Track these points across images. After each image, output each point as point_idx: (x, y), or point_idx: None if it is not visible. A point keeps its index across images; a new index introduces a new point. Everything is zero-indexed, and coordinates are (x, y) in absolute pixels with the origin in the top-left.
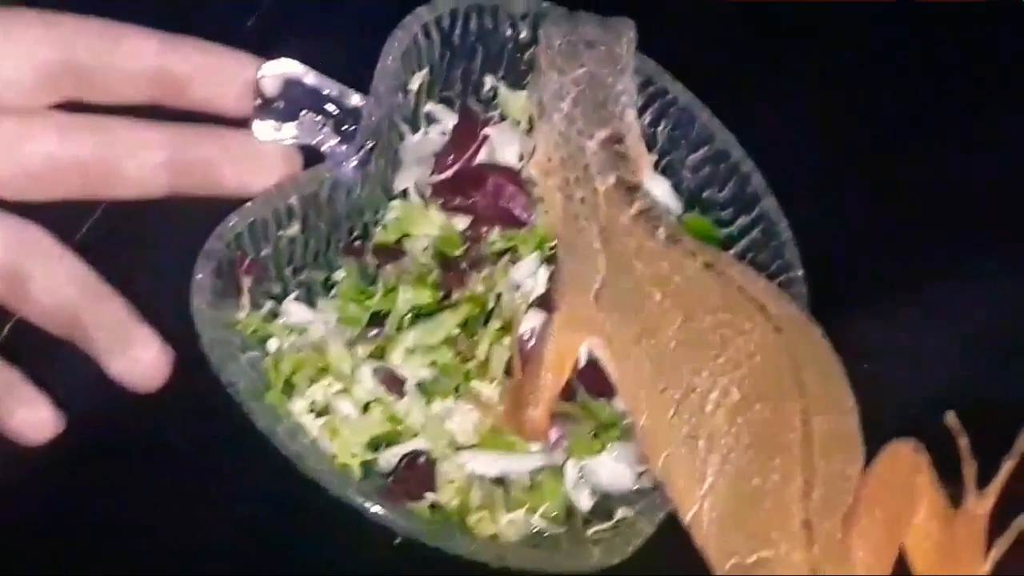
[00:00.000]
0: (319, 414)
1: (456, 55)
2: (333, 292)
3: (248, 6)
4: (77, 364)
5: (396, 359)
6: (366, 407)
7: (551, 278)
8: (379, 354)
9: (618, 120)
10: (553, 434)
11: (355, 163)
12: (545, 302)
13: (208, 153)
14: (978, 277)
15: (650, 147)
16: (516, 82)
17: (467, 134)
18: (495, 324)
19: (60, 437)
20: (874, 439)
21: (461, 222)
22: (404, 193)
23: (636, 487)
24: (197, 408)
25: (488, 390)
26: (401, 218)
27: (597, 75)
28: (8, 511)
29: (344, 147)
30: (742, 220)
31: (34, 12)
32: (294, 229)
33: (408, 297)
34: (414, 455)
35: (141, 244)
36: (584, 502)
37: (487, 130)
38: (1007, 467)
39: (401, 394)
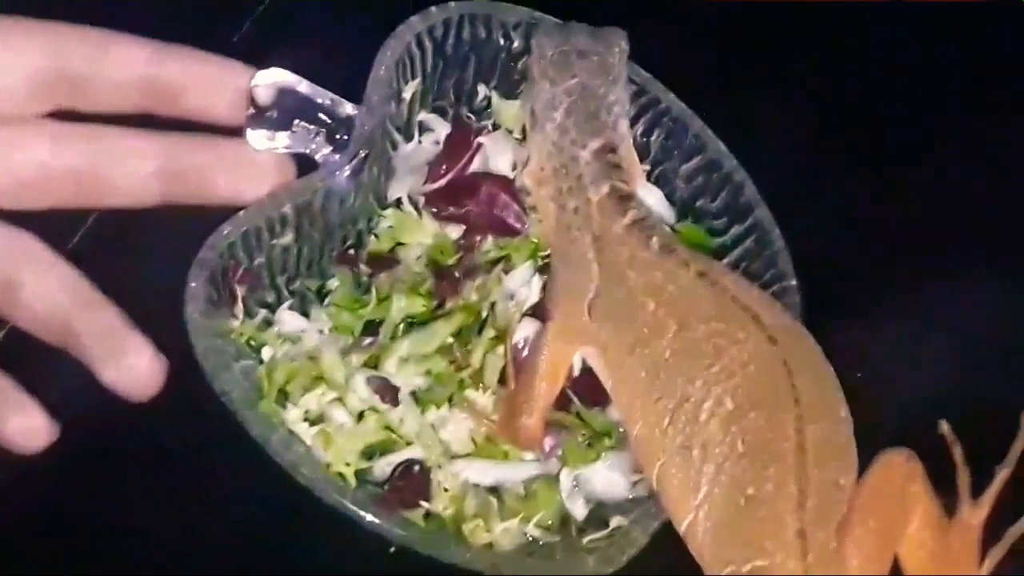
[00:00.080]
0: (313, 423)
1: (449, 64)
2: (327, 301)
3: (241, 15)
4: (70, 372)
5: (390, 368)
6: (360, 416)
7: (545, 287)
8: (373, 363)
9: (611, 130)
10: (547, 443)
11: (348, 172)
12: (539, 311)
13: (201, 162)
14: (972, 285)
15: (643, 157)
16: (509, 91)
17: (460, 143)
18: (489, 333)
19: (54, 445)
20: (868, 448)
21: (455, 231)
22: (398, 202)
23: (630, 496)
24: (191, 416)
25: (482, 399)
26: (395, 227)
27: (589, 85)
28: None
29: (337, 156)
30: (735, 229)
31: (28, 21)
32: (287, 238)
33: (402, 306)
34: (408, 464)
35: (134, 253)
36: (578, 511)
37: (480, 139)
38: (1001, 476)
39: (395, 403)
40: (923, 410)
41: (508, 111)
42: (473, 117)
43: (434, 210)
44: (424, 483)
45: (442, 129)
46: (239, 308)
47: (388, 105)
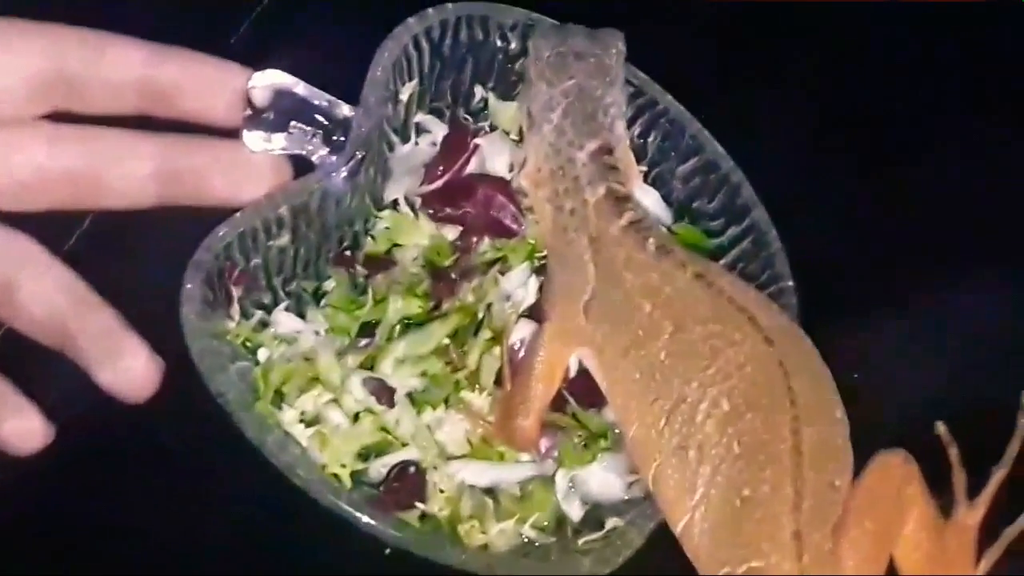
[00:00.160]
0: (309, 424)
1: (446, 66)
2: (323, 302)
3: (238, 17)
4: (67, 374)
5: (386, 369)
6: (356, 417)
7: (541, 289)
8: (369, 364)
9: (608, 131)
10: (543, 444)
11: (345, 173)
12: (535, 312)
13: (198, 163)
14: (968, 286)
15: (640, 158)
16: (506, 93)
17: (457, 144)
18: (485, 334)
19: (50, 447)
20: (864, 449)
21: (451, 232)
22: (394, 203)
23: (626, 497)
24: (187, 417)
25: (478, 400)
26: (391, 228)
27: (586, 87)
28: None
29: (334, 157)
30: (732, 230)
31: (25, 22)
32: (284, 239)
33: (398, 307)
34: (404, 465)
35: (130, 254)
36: (574, 512)
37: (477, 140)
38: (997, 477)
39: (391, 404)
40: (919, 411)
41: (505, 112)
42: (470, 118)
43: (431, 211)
44: (420, 484)
45: (439, 130)
46: (235, 309)
47: (385, 106)
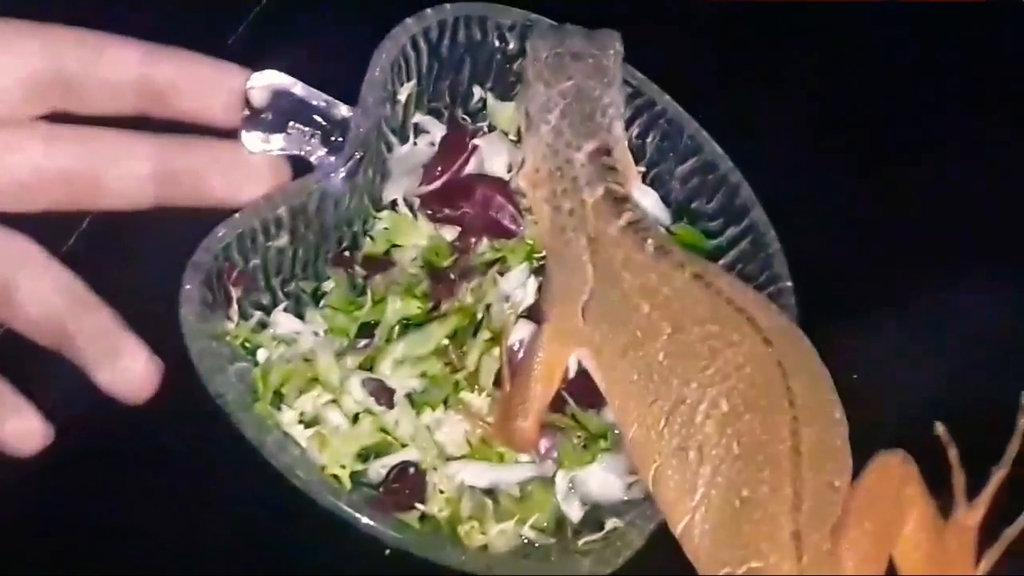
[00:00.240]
0: (308, 425)
1: (444, 66)
2: (322, 303)
3: (236, 17)
4: (66, 375)
5: (385, 370)
6: (355, 418)
7: (540, 289)
8: (368, 365)
9: (606, 132)
10: (543, 445)
11: (343, 174)
12: (534, 313)
13: (196, 164)
14: (968, 287)
15: (638, 159)
16: (504, 93)
17: (456, 145)
18: (484, 335)
19: (49, 447)
20: (863, 450)
21: (450, 233)
22: (393, 204)
23: (626, 498)
24: (186, 418)
25: (477, 401)
26: (390, 229)
27: (584, 87)
28: None
29: (332, 158)
30: (731, 231)
31: (23, 23)
32: (282, 240)
33: (397, 308)
34: (404, 466)
35: (129, 255)
36: (574, 513)
37: (476, 141)
38: (997, 477)
39: (390, 405)
40: (919, 411)
41: (503, 113)
42: (468, 119)
43: (429, 212)
44: (419, 485)
45: (437, 131)
46: (234, 310)
47: (383, 107)
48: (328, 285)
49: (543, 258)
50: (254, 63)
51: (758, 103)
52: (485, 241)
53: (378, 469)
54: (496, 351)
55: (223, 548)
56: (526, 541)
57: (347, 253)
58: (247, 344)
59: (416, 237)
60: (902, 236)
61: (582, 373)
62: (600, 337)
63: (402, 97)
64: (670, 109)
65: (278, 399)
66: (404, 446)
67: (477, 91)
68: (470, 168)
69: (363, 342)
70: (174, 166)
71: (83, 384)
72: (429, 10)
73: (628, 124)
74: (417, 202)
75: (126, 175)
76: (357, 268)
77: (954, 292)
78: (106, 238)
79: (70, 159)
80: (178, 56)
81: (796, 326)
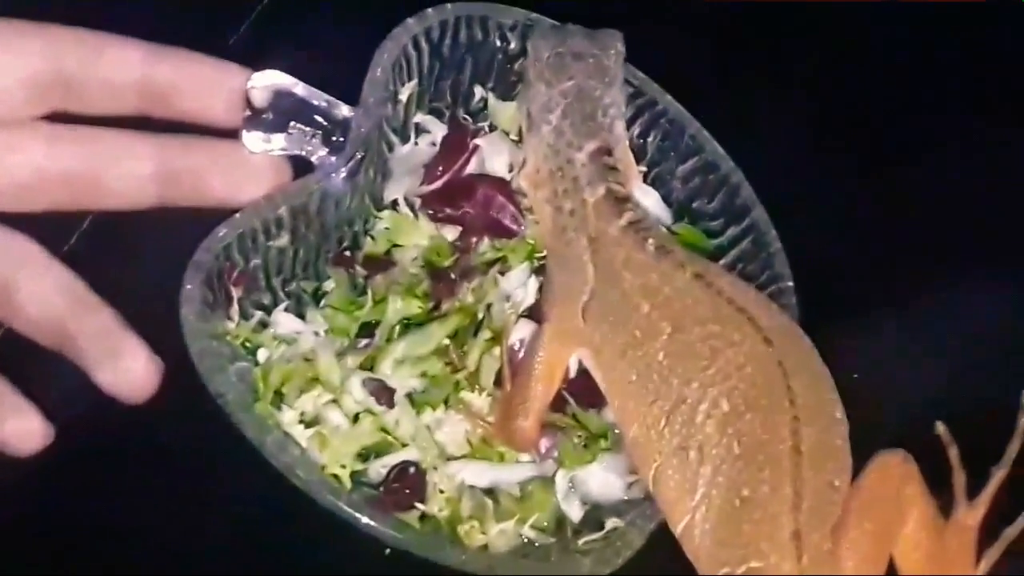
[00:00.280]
0: (309, 425)
1: (445, 66)
2: (323, 303)
3: (237, 17)
4: (66, 375)
5: (386, 370)
6: (356, 418)
7: (540, 289)
8: (369, 365)
9: (607, 132)
10: (543, 445)
11: (344, 174)
12: (535, 313)
13: (197, 164)
14: (968, 286)
15: (640, 158)
16: (506, 93)
17: (457, 145)
18: (485, 334)
19: (49, 447)
20: (864, 449)
21: (451, 232)
22: (394, 204)
23: (626, 497)
24: (186, 418)
25: (478, 401)
26: (391, 228)
27: (585, 87)
28: None
29: (333, 158)
30: (732, 231)
31: (24, 23)
32: (283, 240)
33: (398, 308)
34: (404, 465)
35: (130, 255)
36: (574, 512)
37: (477, 141)
38: (997, 477)
39: (391, 405)
40: (919, 411)
41: (505, 113)
42: (469, 119)
43: (430, 212)
44: (420, 485)
45: (438, 131)
46: (235, 310)
47: (384, 107)
48: (329, 285)
49: (544, 258)
50: (255, 63)
51: (758, 103)
52: (486, 241)
53: (378, 469)
54: (497, 351)
55: (223, 548)
56: (526, 541)
57: (348, 253)
58: (248, 344)
59: (417, 237)
60: (902, 236)
61: (583, 373)
62: (600, 337)
63: (403, 97)
64: (671, 109)
65: (278, 399)
66: (404, 446)
67: (478, 91)
68: (471, 168)
69: (364, 342)
70: (175, 166)
71: (83, 384)
72: (430, 10)
73: (629, 124)
74: (418, 202)
75: (127, 175)
76: (358, 268)
77: (954, 292)
78: (107, 238)
79: (71, 159)
80: (179, 56)
81: (797, 326)
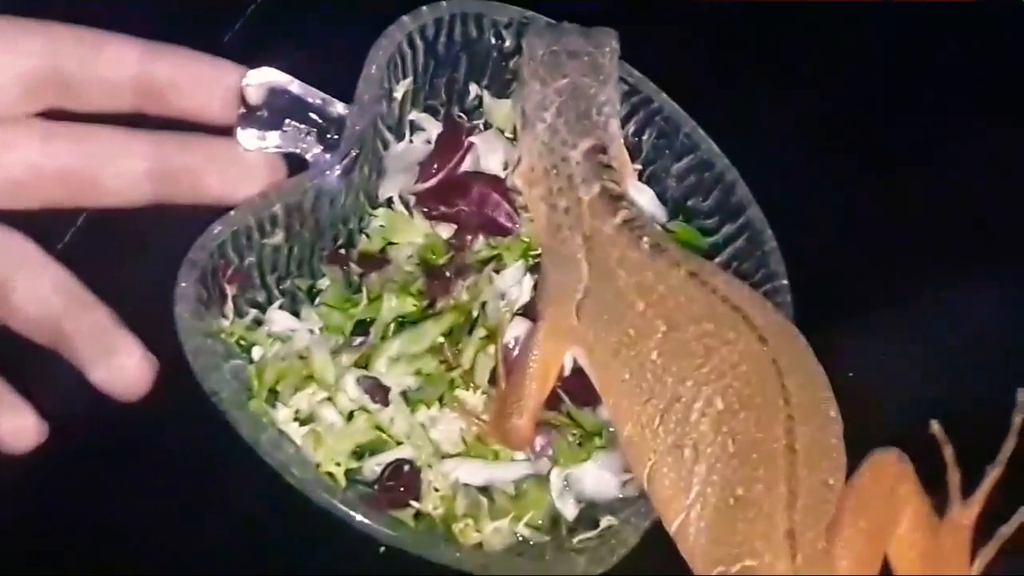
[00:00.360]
0: (303, 423)
1: (440, 64)
2: (317, 301)
3: (232, 14)
4: (61, 372)
5: (380, 367)
6: (350, 416)
7: (535, 287)
8: (363, 363)
9: (602, 130)
10: (538, 443)
11: (339, 171)
12: (530, 311)
13: (192, 161)
14: (963, 285)
15: (635, 156)
16: (501, 91)
17: (452, 142)
18: (480, 333)
19: (44, 445)
20: (858, 448)
21: (446, 230)
22: (388, 201)
23: (621, 496)
24: (181, 416)
25: (472, 399)
26: (385, 226)
27: (580, 85)
28: None
29: (328, 155)
30: (727, 229)
31: (21, 20)
32: (278, 237)
33: (392, 305)
34: (399, 463)
35: (124, 252)
36: (569, 511)
37: (472, 138)
38: (992, 476)
39: (385, 403)
40: (914, 410)
41: (500, 110)
42: (464, 116)
43: (425, 209)
44: (414, 483)
45: (433, 128)
46: (229, 308)
47: (379, 104)
48: (323, 283)
49: (539, 256)
50: (250, 60)
51: (757, 102)
52: (481, 239)
53: (373, 467)
54: (492, 349)
55: (217, 546)
56: (521, 539)
57: (343, 250)
58: (242, 342)
59: (412, 235)
60: (897, 234)
61: (577, 371)
62: (594, 335)
63: (398, 94)
64: (666, 107)
65: (273, 397)
66: (399, 444)
67: (473, 88)
68: (466, 166)
69: (358, 340)
70: (170, 164)
71: (78, 381)
72: (425, 7)
73: (624, 122)
74: (413, 199)
75: (122, 172)
76: (353, 266)
77: (949, 291)
78: (101, 235)
79: (66, 157)
80: (175, 53)
81: (792, 324)
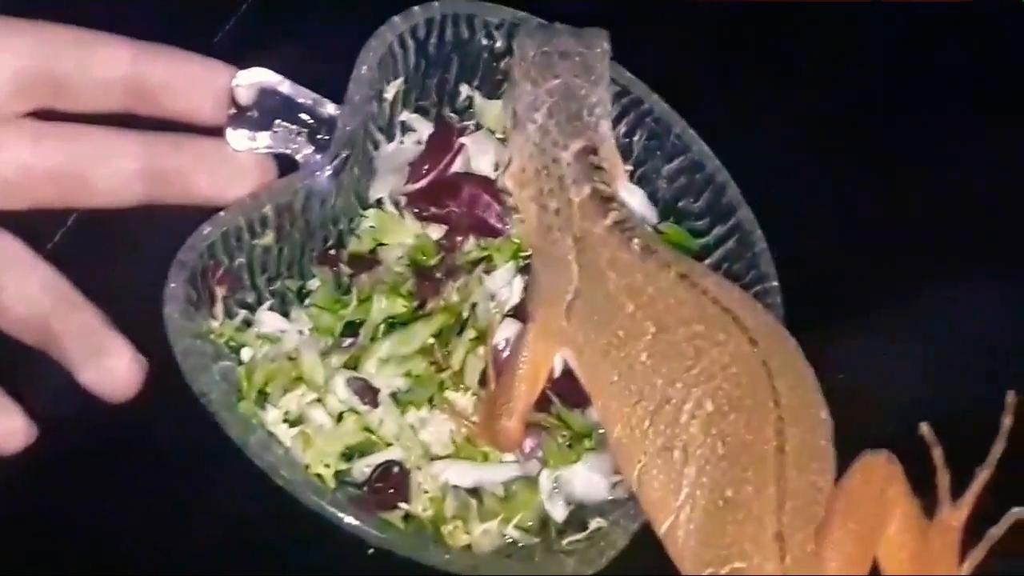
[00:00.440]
0: (292, 424)
1: (431, 64)
2: (307, 301)
3: (223, 15)
4: (50, 373)
5: (370, 369)
6: (340, 417)
7: (526, 288)
8: (353, 364)
9: (593, 131)
10: (527, 444)
11: (329, 172)
12: (520, 312)
13: (182, 162)
14: (953, 287)
15: (626, 157)
16: (492, 91)
17: (442, 143)
18: (470, 334)
19: (32, 446)
20: (848, 450)
21: (436, 231)
22: (379, 202)
23: (610, 497)
24: (171, 417)
25: (462, 400)
26: (376, 227)
27: (571, 86)
28: None
29: (319, 156)
30: (718, 230)
31: (11, 20)
32: (268, 238)
33: (382, 307)
34: (388, 465)
35: (114, 253)
36: (558, 512)
37: (462, 139)
38: (981, 478)
39: (375, 404)
40: (904, 412)
41: (491, 111)
42: (455, 117)
43: (415, 210)
44: (403, 484)
45: (424, 129)
46: (219, 308)
47: (370, 105)
48: (313, 283)
49: (529, 257)
50: (241, 61)
51: (756, 102)
52: (471, 240)
53: (362, 468)
54: (481, 350)
55: (206, 546)
56: (510, 541)
57: (333, 251)
58: (231, 343)
59: (402, 235)
60: (897, 235)
61: (567, 372)
62: (584, 337)
63: (389, 95)
64: (657, 108)
65: (262, 398)
66: (388, 445)
67: (464, 89)
68: (457, 166)
69: (348, 341)
70: (161, 164)
71: (68, 382)
72: (417, 8)
73: (615, 123)
74: (403, 200)
75: (113, 173)
76: (343, 266)
77: (943, 292)
78: (91, 236)
79: (57, 157)
80: (166, 54)
81: (782, 326)
